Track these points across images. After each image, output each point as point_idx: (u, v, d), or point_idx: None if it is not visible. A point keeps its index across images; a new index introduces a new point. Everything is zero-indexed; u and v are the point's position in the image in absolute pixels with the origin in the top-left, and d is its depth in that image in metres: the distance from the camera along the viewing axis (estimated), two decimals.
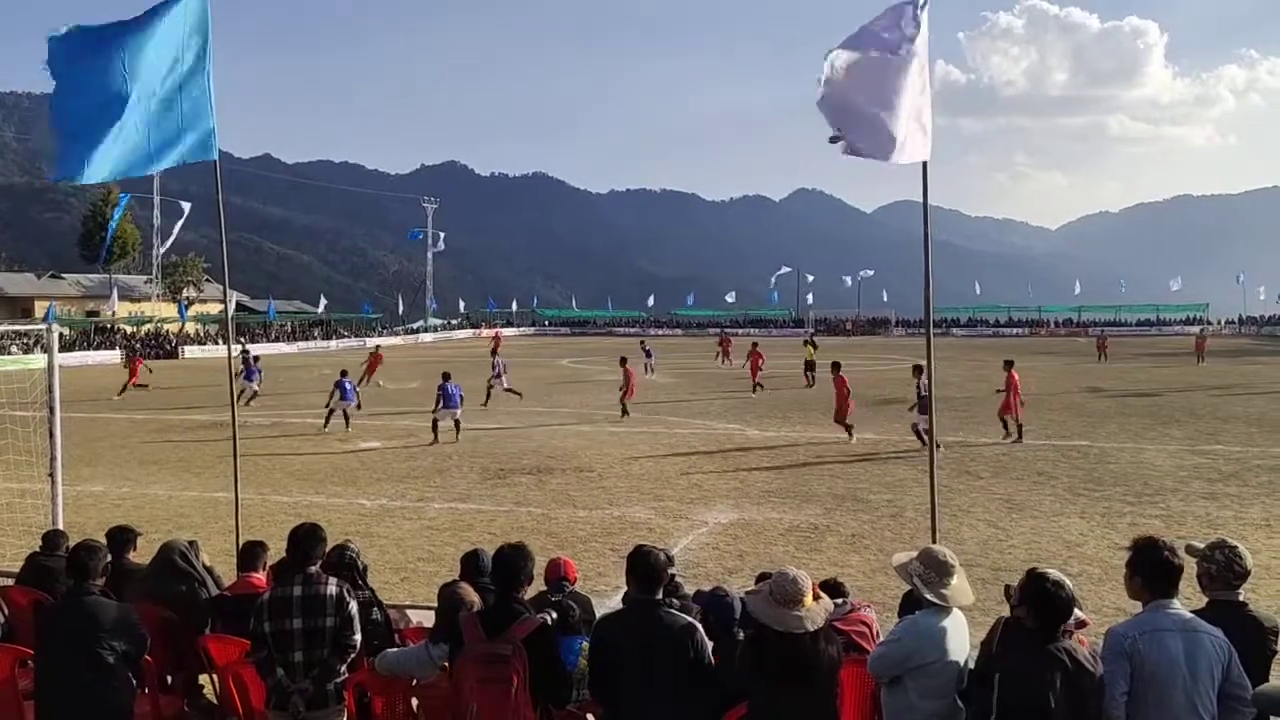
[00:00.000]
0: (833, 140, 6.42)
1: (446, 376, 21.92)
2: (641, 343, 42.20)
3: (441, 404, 21.11)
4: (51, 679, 5.03)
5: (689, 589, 6.21)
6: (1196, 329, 66.79)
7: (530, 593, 5.19)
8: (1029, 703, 3.76)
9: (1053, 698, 3.73)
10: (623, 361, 25.79)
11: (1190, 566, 4.24)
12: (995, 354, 53.96)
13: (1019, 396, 19.57)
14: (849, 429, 19.99)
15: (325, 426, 22.73)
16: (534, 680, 4.38)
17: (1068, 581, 4.13)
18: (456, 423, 21.15)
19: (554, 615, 5.12)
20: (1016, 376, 19.67)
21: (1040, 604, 3.89)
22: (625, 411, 24.72)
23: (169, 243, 75.38)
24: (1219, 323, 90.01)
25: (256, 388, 30.04)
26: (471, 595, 5.38)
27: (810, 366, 33.94)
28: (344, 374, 24.16)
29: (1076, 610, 4.45)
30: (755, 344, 33.96)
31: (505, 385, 28.27)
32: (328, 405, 23.28)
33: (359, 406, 24.11)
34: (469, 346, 62.38)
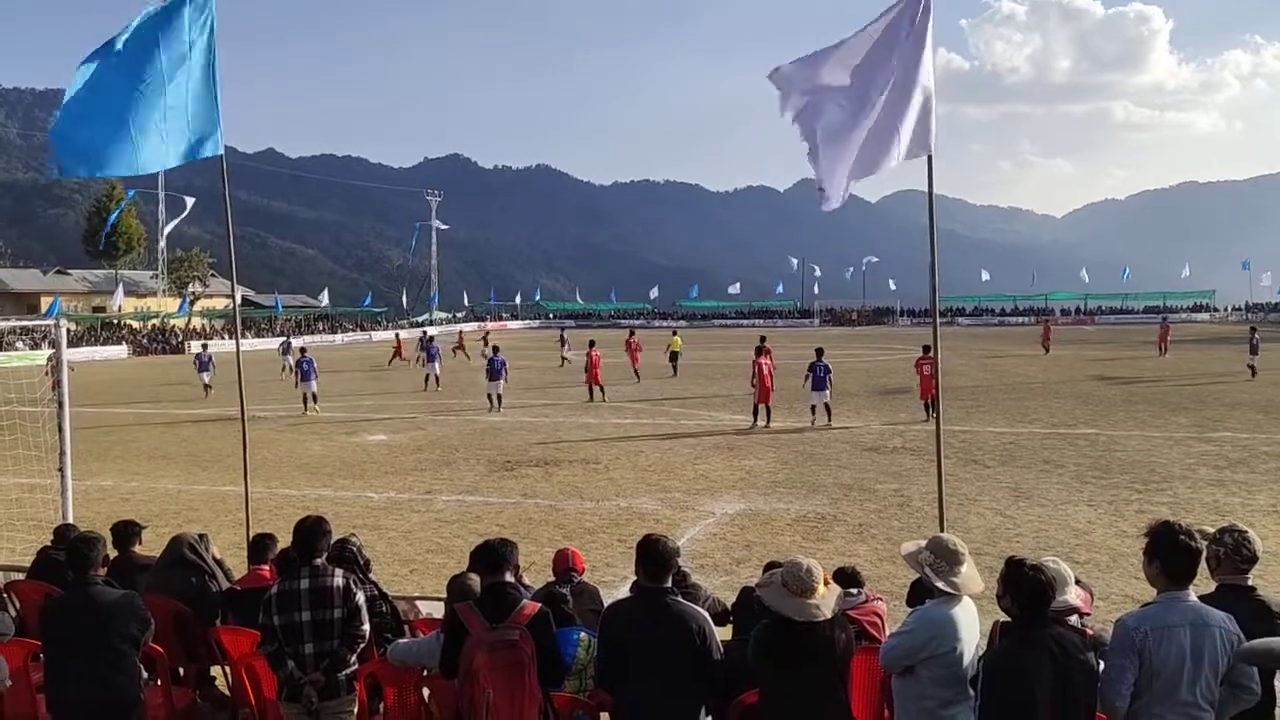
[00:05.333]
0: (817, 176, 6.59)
1: (495, 350, 25.47)
2: (561, 329, 49.65)
3: (488, 376, 24.72)
4: (61, 671, 5.05)
5: (696, 579, 6.24)
6: (1160, 318, 65.21)
7: (539, 583, 5.21)
8: (1015, 693, 3.74)
9: (1039, 687, 3.70)
10: (590, 345, 28.01)
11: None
12: (1001, 343, 53.94)
13: (770, 381, 21.04)
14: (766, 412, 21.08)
15: (314, 406, 25.11)
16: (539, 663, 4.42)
17: (1051, 567, 4.13)
18: (499, 397, 24.35)
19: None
20: (765, 363, 21.11)
21: (1021, 590, 3.85)
22: (592, 396, 26.43)
23: (167, 231, 75.63)
24: (1226, 309, 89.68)
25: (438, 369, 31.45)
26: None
27: (674, 357, 34.94)
28: (303, 351, 27.01)
29: (1076, 597, 4.45)
30: (632, 331, 37.24)
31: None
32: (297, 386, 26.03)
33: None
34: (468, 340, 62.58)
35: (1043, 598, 3.84)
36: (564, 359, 40.14)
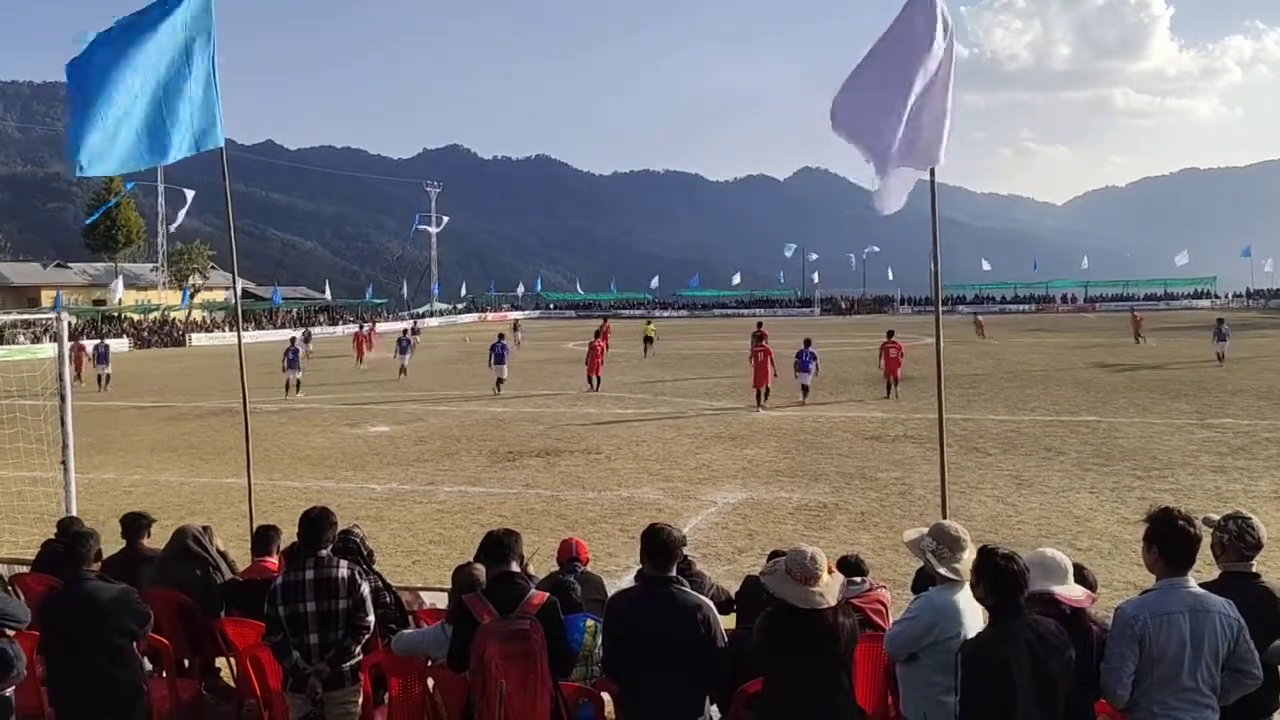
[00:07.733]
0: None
1: (500, 337, 27.50)
2: (515, 323, 54.56)
3: (492, 361, 26.59)
4: (61, 665, 5.07)
5: (700, 568, 6.25)
6: (1128, 306, 65.33)
7: (542, 574, 5.20)
8: (994, 681, 3.69)
9: (1018, 675, 3.66)
10: (595, 334, 30.11)
11: (1205, 538, 4.23)
12: (1001, 330, 53.86)
13: (769, 367, 22.43)
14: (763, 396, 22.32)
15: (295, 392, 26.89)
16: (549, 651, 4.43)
17: (1024, 556, 4.11)
18: (501, 380, 26.27)
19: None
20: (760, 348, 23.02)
21: (991, 580, 3.81)
22: (593, 385, 26.85)
23: (174, 227, 75.59)
24: (1227, 296, 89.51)
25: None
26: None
27: (649, 341, 41.15)
28: (292, 341, 28.91)
29: (1076, 590, 4.42)
30: (604, 321, 40.98)
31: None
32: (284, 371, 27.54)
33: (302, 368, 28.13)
34: (451, 333, 62.73)
35: (1014, 587, 3.78)
36: (516, 343, 44.67)
